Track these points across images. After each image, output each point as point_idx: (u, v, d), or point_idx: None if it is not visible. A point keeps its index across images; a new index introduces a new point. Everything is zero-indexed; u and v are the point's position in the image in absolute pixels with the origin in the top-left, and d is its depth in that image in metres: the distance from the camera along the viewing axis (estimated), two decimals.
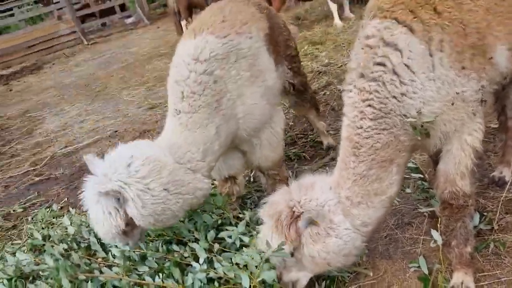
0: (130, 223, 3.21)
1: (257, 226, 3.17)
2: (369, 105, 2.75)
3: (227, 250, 3.48)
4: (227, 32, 3.59)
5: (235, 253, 3.35)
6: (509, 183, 3.78)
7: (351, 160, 2.85)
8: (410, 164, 4.24)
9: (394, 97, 2.70)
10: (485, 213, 3.50)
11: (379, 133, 2.76)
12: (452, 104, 2.72)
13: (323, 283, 3.23)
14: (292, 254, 2.97)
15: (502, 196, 3.64)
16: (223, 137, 3.55)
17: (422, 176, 4.14)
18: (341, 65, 7.46)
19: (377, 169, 2.82)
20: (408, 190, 4.07)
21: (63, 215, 4.86)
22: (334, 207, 2.87)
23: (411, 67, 2.67)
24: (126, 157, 3.17)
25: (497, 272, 3.04)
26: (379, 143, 2.78)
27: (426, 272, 3.06)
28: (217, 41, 3.52)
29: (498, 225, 3.39)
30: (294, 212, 2.89)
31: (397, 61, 2.68)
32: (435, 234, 2.90)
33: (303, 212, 2.83)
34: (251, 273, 3.08)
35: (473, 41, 2.71)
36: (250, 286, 3.03)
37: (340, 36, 9.01)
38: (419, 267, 3.16)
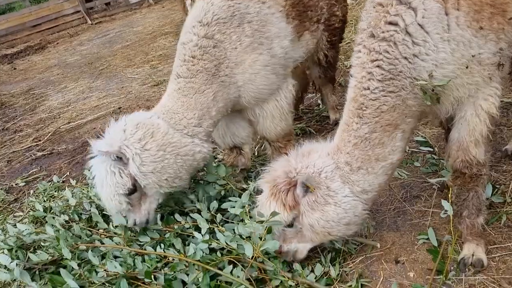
0: (136, 187, 3.26)
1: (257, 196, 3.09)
2: (378, 66, 2.62)
3: (230, 221, 3.40)
4: None
5: (238, 223, 3.27)
6: None
7: (354, 121, 2.74)
8: (419, 138, 4.15)
9: (405, 58, 2.57)
10: (497, 186, 3.39)
11: (386, 96, 2.65)
12: (467, 67, 2.58)
13: (329, 255, 3.14)
14: (291, 225, 2.89)
15: None
16: (221, 103, 3.46)
17: (431, 149, 4.03)
18: (349, 42, 7.28)
19: (380, 133, 2.71)
20: (416, 164, 3.97)
21: (65, 188, 4.81)
22: (331, 173, 2.79)
23: (424, 26, 2.53)
24: (122, 124, 3.29)
25: (509, 244, 2.94)
26: (385, 106, 2.66)
27: (435, 244, 2.95)
28: (223, 4, 3.40)
29: (511, 198, 3.27)
30: (291, 178, 2.81)
31: (410, 20, 2.54)
32: (446, 204, 2.79)
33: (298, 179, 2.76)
34: (254, 243, 3.00)
35: None
36: (253, 255, 2.95)
37: (349, 13, 8.79)
38: (427, 239, 3.05)
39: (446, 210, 2.79)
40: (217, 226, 3.30)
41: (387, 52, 2.60)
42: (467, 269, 2.83)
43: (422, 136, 4.18)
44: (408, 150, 4.16)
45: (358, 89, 2.73)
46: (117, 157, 3.17)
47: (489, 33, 2.57)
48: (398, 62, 2.59)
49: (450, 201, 2.81)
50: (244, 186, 3.65)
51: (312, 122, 5.28)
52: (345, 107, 2.85)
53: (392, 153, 2.78)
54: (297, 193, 2.80)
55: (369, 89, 2.67)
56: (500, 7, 2.57)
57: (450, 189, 2.97)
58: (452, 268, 2.88)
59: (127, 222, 3.40)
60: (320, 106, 5.50)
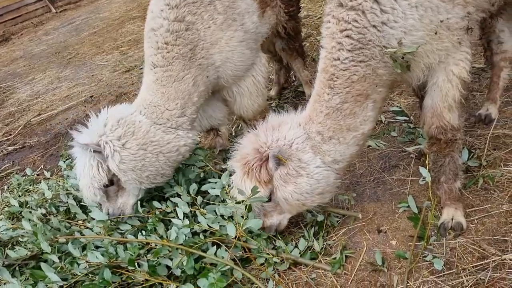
0: (113, 182, 3.29)
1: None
2: (347, 36, 2.59)
3: (212, 202, 3.37)
4: None
5: (219, 204, 3.24)
6: (495, 120, 3.71)
7: (325, 92, 2.73)
8: (394, 108, 4.17)
9: (374, 26, 2.54)
10: (473, 151, 3.44)
11: (356, 65, 2.63)
12: (436, 33, 2.57)
13: (312, 230, 3.15)
14: (270, 199, 2.89)
15: (489, 133, 3.57)
16: (202, 87, 3.38)
17: (407, 118, 4.06)
18: (320, 17, 7.22)
19: (352, 103, 2.71)
20: (393, 134, 4.00)
21: (40, 181, 4.68)
22: (302, 144, 2.78)
23: None
24: (103, 117, 3.25)
25: (487, 206, 3.00)
26: (356, 76, 2.65)
27: (416, 211, 3.00)
28: None
29: (486, 161, 3.32)
30: (262, 154, 2.79)
31: None
32: (424, 171, 2.81)
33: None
34: (236, 223, 2.98)
35: None
36: (236, 235, 2.93)
37: None
38: (408, 207, 3.10)
39: (424, 177, 2.82)
40: (198, 209, 3.27)
41: (356, 21, 2.57)
42: (447, 233, 2.88)
43: (397, 106, 4.20)
44: (385, 121, 4.18)
45: (328, 59, 2.70)
46: (95, 150, 3.17)
47: None
48: (367, 30, 2.57)
49: (427, 168, 2.84)
50: (224, 166, 3.60)
51: (289, 98, 5.25)
52: (317, 78, 2.83)
53: (364, 123, 2.79)
54: (269, 167, 2.79)
55: (339, 59, 2.65)
56: None
57: (427, 156, 2.99)
58: (433, 233, 2.93)
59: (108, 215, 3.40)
60: (295, 81, 5.46)
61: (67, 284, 3.07)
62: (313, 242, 3.05)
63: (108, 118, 3.24)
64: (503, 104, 3.88)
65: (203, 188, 3.43)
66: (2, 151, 6.36)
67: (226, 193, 3.12)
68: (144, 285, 2.98)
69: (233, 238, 2.96)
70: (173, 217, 3.27)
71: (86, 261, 3.10)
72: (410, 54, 2.60)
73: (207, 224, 3.10)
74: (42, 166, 5.49)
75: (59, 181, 4.39)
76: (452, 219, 2.90)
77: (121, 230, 3.38)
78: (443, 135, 2.85)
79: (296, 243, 3.07)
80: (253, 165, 2.84)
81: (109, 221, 3.43)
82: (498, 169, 3.23)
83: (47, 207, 3.94)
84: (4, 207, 4.60)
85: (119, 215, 3.39)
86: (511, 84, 3.96)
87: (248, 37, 3.51)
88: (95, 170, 3.18)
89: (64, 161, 4.82)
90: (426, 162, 2.87)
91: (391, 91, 4.46)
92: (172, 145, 3.32)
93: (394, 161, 3.69)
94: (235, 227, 2.94)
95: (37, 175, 5.23)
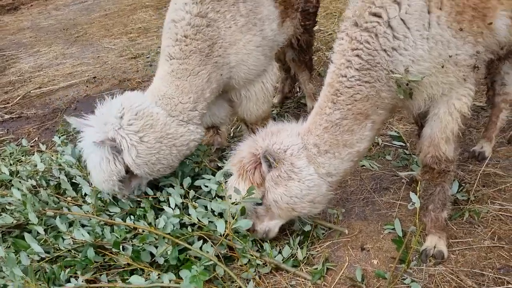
0: (129, 171, 3.24)
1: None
2: (357, 55, 2.68)
3: (203, 198, 3.41)
4: None
5: (211, 201, 3.29)
6: (488, 158, 3.81)
7: (328, 105, 2.81)
8: (392, 132, 4.26)
9: (384, 50, 2.63)
10: (463, 184, 3.52)
11: (361, 85, 2.71)
12: (442, 66, 2.66)
13: (298, 238, 3.20)
14: (261, 203, 2.96)
15: (480, 170, 3.67)
16: (214, 84, 3.44)
17: (403, 144, 4.15)
18: (331, 33, 7.33)
19: (351, 121, 2.79)
20: (388, 157, 4.08)
21: (33, 153, 4.69)
22: (297, 151, 2.86)
23: (406, 22, 2.59)
24: (118, 108, 3.16)
25: (470, 239, 3.07)
26: (359, 95, 2.73)
27: (401, 234, 3.04)
28: None
29: (475, 196, 3.41)
30: (256, 156, 2.86)
31: (394, 14, 2.59)
32: (414, 197, 2.87)
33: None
34: (226, 220, 3.02)
35: (476, 2, 2.62)
36: (224, 233, 2.97)
37: (333, 4, 8.83)
38: (393, 229, 3.14)
39: (413, 203, 2.88)
40: (190, 202, 3.30)
41: (368, 43, 2.65)
42: (428, 260, 2.95)
43: (395, 131, 4.28)
44: (381, 143, 4.26)
45: (335, 75, 2.78)
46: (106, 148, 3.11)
47: (468, 36, 2.63)
48: (377, 53, 2.65)
49: (418, 194, 2.92)
50: (219, 164, 3.65)
51: (291, 108, 5.32)
52: (322, 91, 2.92)
53: (360, 142, 2.87)
54: (262, 169, 2.84)
55: (346, 76, 2.73)
56: (481, 11, 2.64)
57: (419, 183, 3.07)
58: (414, 258, 2.99)
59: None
60: (299, 93, 5.53)
61: (49, 257, 3.09)
62: (297, 250, 3.11)
63: (124, 109, 3.17)
64: (497, 144, 3.98)
65: (197, 183, 3.46)
66: None
67: (222, 189, 3.16)
68: (125, 269, 3.01)
69: (220, 235, 3.00)
70: (163, 207, 3.30)
71: (72, 237, 3.12)
72: (414, 83, 2.69)
73: (197, 218, 3.14)
74: (36, 138, 5.50)
75: (52, 156, 4.40)
76: (435, 247, 2.97)
77: (110, 212, 3.40)
78: (437, 165, 2.93)
79: (280, 249, 3.12)
80: (247, 167, 2.90)
81: (99, 201, 3.46)
82: (484, 206, 3.32)
83: (37, 179, 3.95)
84: None
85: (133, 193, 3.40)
86: (508, 126, 4.06)
87: (265, 44, 3.57)
88: (113, 163, 3.11)
89: (59, 137, 4.82)
90: (417, 188, 2.94)
91: (391, 115, 4.55)
92: (184, 138, 3.34)
93: (386, 184, 3.77)
94: (225, 224, 2.98)
95: (31, 146, 5.23)
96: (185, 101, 3.33)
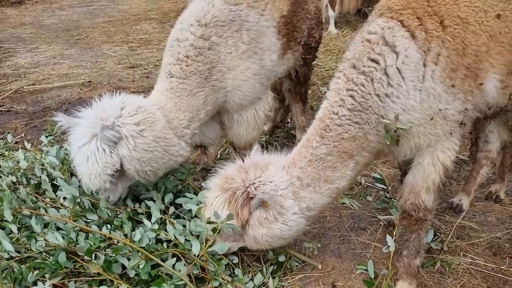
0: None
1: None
2: (351, 96, 2.78)
3: (182, 215, 3.41)
4: (239, 1, 3.54)
5: (189, 220, 3.29)
6: (465, 211, 3.89)
7: (315, 139, 2.88)
8: (376, 174, 4.33)
9: (378, 95, 2.73)
10: (438, 234, 3.59)
11: (350, 125, 2.80)
12: (432, 119, 2.76)
13: (271, 268, 3.21)
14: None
15: (456, 222, 3.75)
16: (210, 107, 3.51)
17: (385, 187, 4.22)
18: (328, 69, 7.49)
19: (335, 158, 2.86)
20: (369, 198, 4.14)
21: (17, 149, 4.65)
22: (286, 190, 2.89)
23: (402, 71, 2.69)
24: (118, 102, 3.15)
25: None
26: (347, 134, 2.81)
27: (372, 276, 3.11)
28: (224, 7, 3.46)
29: (448, 247, 3.48)
30: (249, 192, 2.87)
31: (391, 63, 2.70)
32: (390, 240, 2.94)
33: (256, 194, 2.83)
34: (203, 242, 3.03)
35: (469, 62, 2.74)
36: (199, 254, 2.97)
37: (333, 42, 9.05)
38: (366, 270, 3.20)
39: (388, 246, 2.94)
40: (169, 218, 3.30)
41: (363, 86, 2.75)
42: None
43: (379, 174, 4.36)
44: (364, 184, 4.33)
45: (328, 111, 2.87)
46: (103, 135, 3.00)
47: (459, 92, 2.75)
48: (370, 97, 2.74)
49: (394, 238, 2.97)
50: (203, 184, 3.66)
51: (280, 137, 5.39)
52: (312, 125, 2.99)
53: (340, 179, 2.92)
54: (251, 204, 2.87)
55: (337, 114, 2.82)
56: (474, 71, 2.76)
57: (396, 227, 3.13)
58: None
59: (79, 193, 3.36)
60: (290, 123, 5.62)
61: (19, 257, 3.05)
62: (268, 279, 3.11)
63: (125, 102, 3.15)
64: (475, 198, 4.08)
65: (178, 200, 3.47)
66: None
67: (202, 212, 3.16)
68: (95, 278, 2.97)
69: (194, 255, 3.00)
70: (141, 220, 3.29)
71: (45, 239, 3.08)
72: (402, 131, 2.77)
73: (174, 235, 3.13)
74: (23, 135, 5.46)
75: (36, 154, 4.37)
76: None
77: (87, 219, 3.37)
78: (415, 212, 3.00)
79: (253, 276, 3.12)
80: (238, 199, 2.89)
81: (77, 206, 3.44)
82: (456, 257, 3.38)
83: (18, 176, 3.91)
84: None
85: (118, 200, 3.31)
86: (487, 182, 4.17)
87: (262, 73, 3.67)
88: (108, 155, 2.99)
89: (46, 136, 4.81)
90: (394, 232, 3.00)
91: (375, 159, 4.64)
92: (176, 148, 3.34)
93: (364, 224, 3.82)
94: (201, 245, 2.98)
95: (15, 142, 5.18)
96: (181, 118, 3.38)
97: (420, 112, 2.73)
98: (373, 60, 2.75)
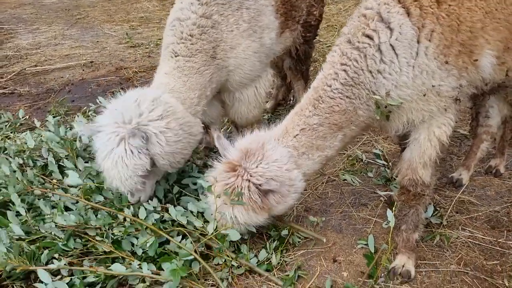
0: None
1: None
2: (344, 70, 2.81)
3: (188, 194, 3.49)
4: None
5: (196, 198, 3.37)
6: (464, 186, 3.95)
7: (308, 109, 2.94)
8: (377, 151, 4.37)
9: (370, 71, 2.76)
10: (437, 209, 3.65)
11: (342, 98, 2.85)
12: (424, 95, 2.78)
13: (273, 243, 3.29)
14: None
15: (456, 196, 3.80)
16: (214, 84, 3.56)
17: (385, 163, 4.26)
18: (330, 45, 7.45)
19: (326, 129, 2.94)
20: (370, 174, 4.19)
21: (22, 131, 4.71)
22: (288, 164, 2.94)
23: (395, 48, 2.71)
24: (132, 100, 3.11)
25: (437, 262, 3.20)
26: (338, 107, 2.87)
27: (373, 250, 3.18)
28: None
29: (447, 221, 3.54)
30: (258, 185, 2.87)
31: (384, 39, 2.71)
32: (390, 215, 2.98)
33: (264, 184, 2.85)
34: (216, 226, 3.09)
35: (464, 38, 2.74)
36: (212, 232, 3.05)
37: (335, 17, 8.97)
38: (366, 245, 3.28)
39: (388, 221, 3.00)
40: (173, 197, 3.37)
41: (356, 61, 2.78)
42: (395, 278, 3.07)
43: (380, 150, 4.40)
44: (365, 160, 4.38)
45: (322, 82, 2.92)
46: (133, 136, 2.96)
47: (453, 69, 2.76)
48: (362, 73, 2.78)
49: (393, 213, 3.03)
50: (209, 163, 3.71)
51: (282, 115, 5.41)
52: (306, 94, 3.04)
53: (329, 148, 3.02)
54: (267, 198, 2.93)
55: (330, 86, 2.86)
56: (468, 48, 2.76)
57: (395, 203, 3.19)
58: (382, 274, 3.11)
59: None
60: (292, 101, 5.64)
61: (28, 238, 3.14)
62: (272, 255, 3.20)
63: (138, 98, 3.10)
64: (475, 173, 4.12)
65: (184, 181, 3.54)
66: None
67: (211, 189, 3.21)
68: (107, 256, 3.05)
69: (200, 234, 3.09)
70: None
71: (54, 221, 3.17)
72: (393, 106, 2.81)
73: (175, 216, 3.19)
74: (27, 117, 5.50)
75: (42, 136, 4.41)
76: (403, 266, 3.09)
77: (94, 200, 3.44)
78: (413, 187, 3.06)
79: (256, 253, 3.21)
80: (252, 196, 2.88)
81: (88, 184, 3.50)
82: (455, 231, 3.45)
83: (24, 158, 3.98)
84: None
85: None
86: (487, 157, 4.21)
87: (262, 51, 3.68)
88: (137, 156, 2.95)
89: (54, 117, 4.86)
90: (393, 208, 3.06)
91: (366, 134, 4.69)
92: (196, 128, 3.38)
93: (364, 200, 3.88)
94: (215, 226, 3.05)
95: (20, 124, 5.24)
96: (192, 97, 3.41)
97: (413, 88, 2.76)
98: (367, 36, 2.76)
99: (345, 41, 2.86)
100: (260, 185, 2.86)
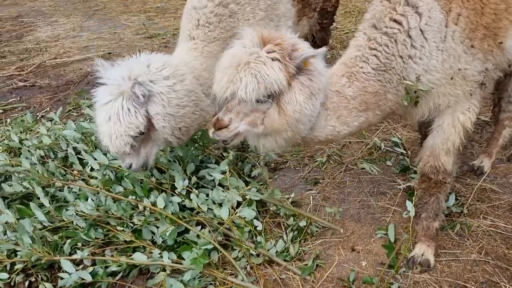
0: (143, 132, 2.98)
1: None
2: (375, 55, 2.74)
3: (205, 185, 3.52)
4: None
5: (212, 189, 3.39)
6: (486, 174, 3.88)
7: (345, 77, 2.78)
8: (395, 138, 4.32)
9: (401, 57, 2.71)
10: (459, 198, 3.60)
11: (374, 81, 2.77)
12: (451, 78, 2.73)
13: (291, 233, 3.30)
14: (264, 100, 2.51)
15: (477, 185, 3.74)
16: None
17: (404, 152, 4.21)
18: (348, 31, 7.35)
19: (354, 105, 2.77)
20: (389, 163, 4.15)
21: (43, 123, 4.79)
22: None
23: (425, 33, 2.66)
24: (143, 60, 3.08)
25: (457, 251, 3.16)
26: (370, 88, 2.77)
27: (393, 240, 3.15)
28: None
29: (468, 210, 3.49)
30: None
31: (414, 25, 2.66)
32: (409, 205, 2.95)
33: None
34: (230, 207, 3.13)
35: (488, 21, 2.69)
36: (226, 219, 3.08)
37: (352, 3, 8.84)
38: (385, 234, 3.26)
39: (408, 211, 2.97)
40: (191, 188, 3.40)
41: (387, 47, 2.72)
42: (415, 267, 3.05)
43: (398, 138, 4.35)
44: (384, 148, 4.33)
45: (357, 60, 2.78)
46: (133, 93, 2.85)
47: (478, 52, 2.71)
48: (394, 58, 2.72)
49: (413, 203, 3.00)
50: (225, 154, 3.73)
51: None
52: (348, 51, 2.88)
53: (345, 125, 2.80)
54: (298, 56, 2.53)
55: (362, 68, 2.77)
56: (493, 31, 2.71)
57: (415, 191, 3.15)
58: (402, 264, 3.09)
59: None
60: None
61: (51, 226, 3.21)
62: (289, 245, 3.21)
63: (150, 59, 3.06)
64: (497, 160, 4.04)
65: (201, 173, 3.57)
66: (12, 84, 6.47)
67: (226, 179, 3.24)
68: (128, 245, 3.11)
69: (218, 223, 3.11)
70: (167, 189, 3.40)
71: (76, 211, 3.23)
72: (423, 92, 2.77)
73: (197, 203, 3.24)
74: (48, 109, 5.60)
75: (62, 128, 4.47)
76: (423, 255, 3.06)
77: (114, 191, 3.49)
78: (434, 175, 3.02)
79: (274, 243, 3.22)
80: (286, 50, 2.52)
81: (106, 175, 3.55)
82: (476, 220, 3.40)
83: (45, 150, 4.06)
84: (4, 140, 4.70)
85: (142, 167, 3.16)
86: (510, 144, 4.12)
87: None
88: (133, 115, 2.84)
89: (74, 108, 4.92)
90: (413, 198, 3.02)
91: (383, 122, 4.61)
92: (205, 104, 3.35)
93: (383, 189, 3.85)
94: (229, 210, 3.07)
95: (41, 117, 5.34)
96: (206, 77, 3.39)
97: (442, 72, 2.72)
98: (395, 21, 2.70)
99: (370, 26, 2.80)
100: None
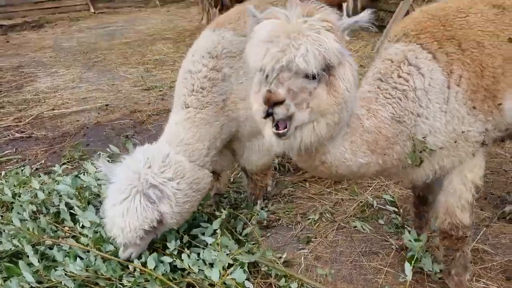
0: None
1: None
2: (390, 104, 2.75)
3: (197, 245, 3.49)
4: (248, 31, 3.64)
5: (203, 248, 3.37)
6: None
7: (364, 110, 2.72)
8: (387, 196, 4.35)
9: (412, 113, 2.75)
10: None
11: (389, 126, 2.73)
12: (455, 142, 2.80)
13: None
14: (315, 76, 2.25)
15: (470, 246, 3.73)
16: (224, 135, 3.63)
17: (396, 210, 4.23)
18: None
19: (367, 139, 2.67)
20: (381, 221, 4.15)
21: (39, 175, 4.80)
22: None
23: (428, 94, 2.74)
24: (142, 160, 3.20)
25: None
26: (384, 131, 2.71)
27: None
28: (234, 38, 3.56)
29: None
30: None
31: (420, 86, 2.73)
32: (408, 268, 2.91)
33: None
34: (221, 269, 3.10)
35: (488, 83, 2.78)
36: (216, 282, 3.04)
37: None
38: None
39: (406, 275, 2.89)
40: (183, 247, 3.38)
41: (400, 100, 2.75)
42: None
43: (390, 195, 4.38)
44: (376, 206, 4.35)
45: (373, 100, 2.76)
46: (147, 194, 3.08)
47: (479, 114, 2.79)
48: (407, 112, 2.76)
49: (411, 265, 2.96)
50: (217, 213, 3.73)
51: (292, 160, 5.44)
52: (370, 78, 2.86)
53: (352, 156, 2.66)
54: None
55: (380, 111, 2.74)
56: (492, 92, 2.80)
57: (438, 248, 3.19)
58: None
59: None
60: None
61: (39, 287, 3.15)
62: None
63: (149, 159, 3.20)
64: (488, 219, 4.05)
65: (193, 231, 3.56)
66: (8, 135, 6.53)
67: (217, 243, 3.24)
68: None
69: (208, 285, 3.07)
70: (158, 247, 3.38)
71: (65, 270, 3.18)
72: (427, 152, 2.80)
73: (188, 264, 3.21)
74: (43, 161, 5.63)
75: (54, 185, 4.44)
76: None
77: (104, 250, 3.46)
78: (454, 231, 3.04)
79: None
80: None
81: (98, 233, 3.53)
82: (469, 283, 3.34)
83: (38, 205, 4.04)
84: None
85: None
86: (502, 203, 4.14)
87: None
88: (150, 211, 3.05)
89: (68, 161, 4.94)
90: (409, 258, 3.00)
91: (387, 179, 4.67)
92: (204, 181, 3.46)
93: (375, 248, 3.84)
94: (220, 272, 3.04)
95: (36, 169, 5.36)
96: (200, 148, 3.47)
97: (445, 135, 2.78)
98: (403, 78, 2.76)
99: (377, 80, 2.82)
100: None
